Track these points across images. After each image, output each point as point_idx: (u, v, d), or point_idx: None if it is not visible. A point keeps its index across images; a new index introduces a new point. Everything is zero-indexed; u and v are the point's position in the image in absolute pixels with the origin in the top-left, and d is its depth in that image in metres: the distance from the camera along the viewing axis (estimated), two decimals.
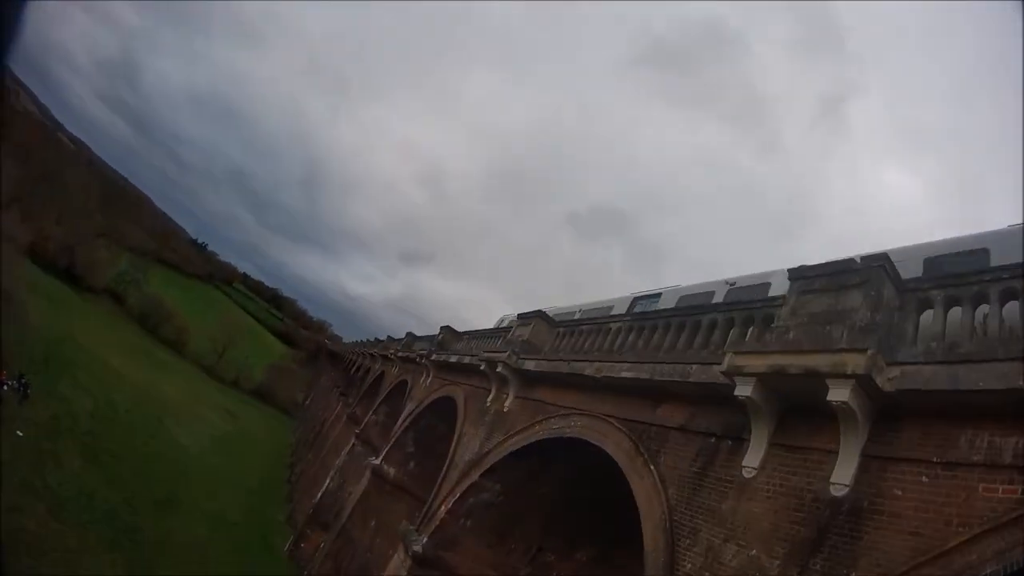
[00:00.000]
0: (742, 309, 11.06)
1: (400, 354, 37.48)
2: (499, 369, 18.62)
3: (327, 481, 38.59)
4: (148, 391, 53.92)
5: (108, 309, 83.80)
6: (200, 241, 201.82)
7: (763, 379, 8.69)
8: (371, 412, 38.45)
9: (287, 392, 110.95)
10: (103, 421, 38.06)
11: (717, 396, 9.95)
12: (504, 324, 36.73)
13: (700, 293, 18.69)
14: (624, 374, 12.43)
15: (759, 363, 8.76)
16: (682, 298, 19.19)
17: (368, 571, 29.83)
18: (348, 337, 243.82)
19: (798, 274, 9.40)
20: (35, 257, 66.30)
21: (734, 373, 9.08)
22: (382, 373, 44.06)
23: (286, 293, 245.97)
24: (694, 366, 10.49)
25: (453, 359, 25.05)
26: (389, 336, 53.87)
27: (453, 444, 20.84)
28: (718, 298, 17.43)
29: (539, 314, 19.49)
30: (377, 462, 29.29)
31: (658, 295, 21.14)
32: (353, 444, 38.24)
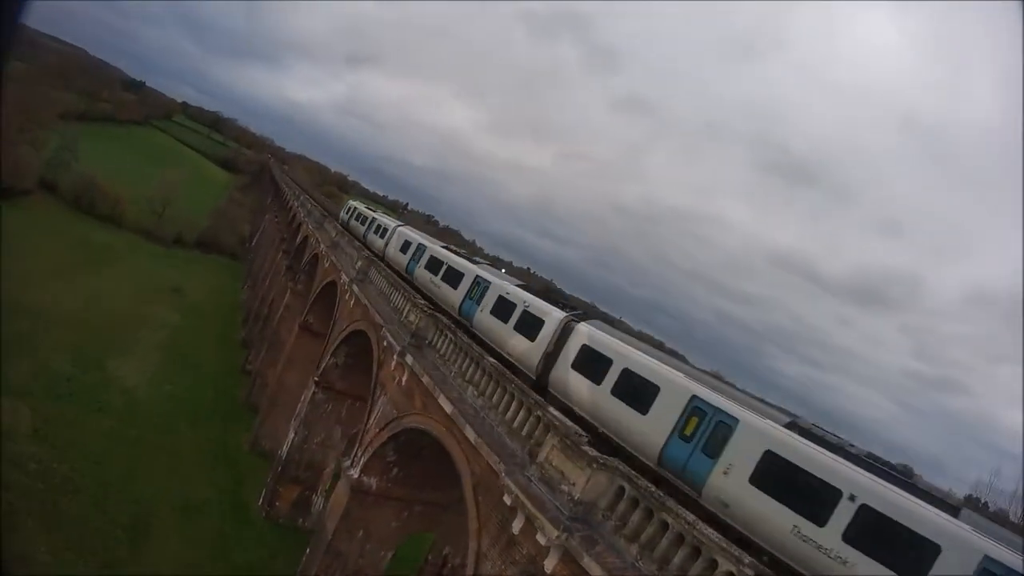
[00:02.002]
0: None
1: (354, 286, 30.93)
2: (540, 541, 12.75)
3: (291, 434, 34.12)
4: (87, 321, 49.11)
5: (42, 203, 78.39)
6: (137, 80, 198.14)
7: None
8: (329, 355, 32.46)
9: (233, 228, 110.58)
10: (48, 429, 33.63)
11: None
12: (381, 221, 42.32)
13: None
14: None
15: None
16: None
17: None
18: (291, 148, 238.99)
19: None
20: None
21: None
22: (332, 283, 37.62)
23: (227, 114, 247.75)
24: None
25: (447, 407, 18.68)
26: (328, 220, 45.83)
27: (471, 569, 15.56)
28: None
29: (602, 463, 12.90)
30: (355, 476, 24.01)
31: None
32: (314, 392, 33.02)
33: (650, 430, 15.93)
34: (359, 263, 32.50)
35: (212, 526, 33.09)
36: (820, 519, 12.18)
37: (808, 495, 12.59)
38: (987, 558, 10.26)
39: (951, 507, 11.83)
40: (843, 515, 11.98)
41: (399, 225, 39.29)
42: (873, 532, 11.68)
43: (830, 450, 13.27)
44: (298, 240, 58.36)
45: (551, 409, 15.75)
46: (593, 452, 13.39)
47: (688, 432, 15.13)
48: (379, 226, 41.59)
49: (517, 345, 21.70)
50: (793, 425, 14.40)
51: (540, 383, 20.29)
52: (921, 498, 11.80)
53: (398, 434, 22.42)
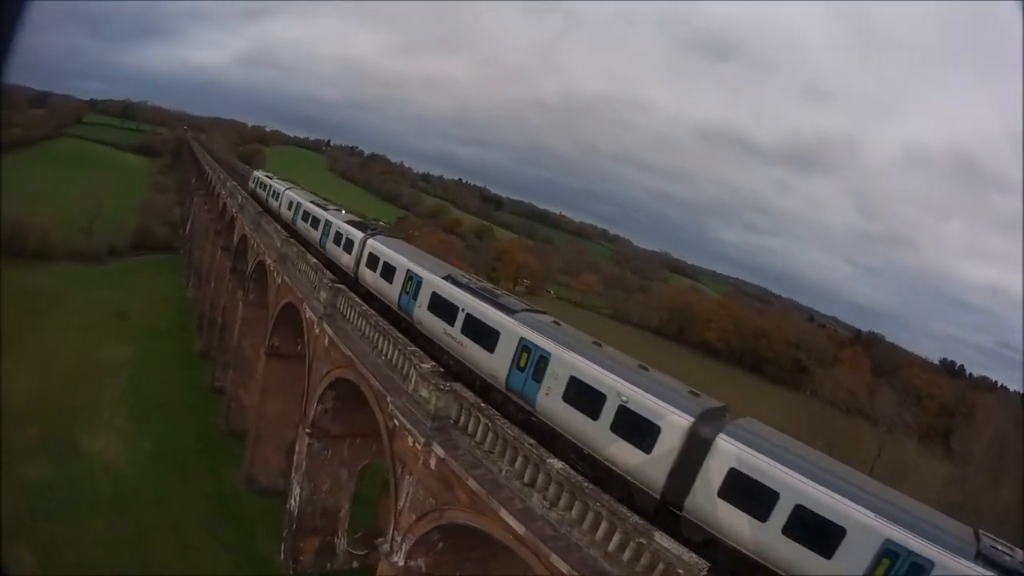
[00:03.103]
0: None
1: (326, 325, 25.84)
2: None
3: (296, 489, 29.37)
4: (45, 398, 41.96)
5: None
6: (43, 92, 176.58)
7: None
8: (315, 401, 27.40)
9: (163, 217, 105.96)
10: (52, 562, 28.41)
11: None
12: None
13: None
14: None
15: None
16: None
17: None
18: (207, 112, 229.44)
19: None
20: None
21: None
22: (292, 305, 32.15)
23: (136, 98, 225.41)
24: None
25: (515, 525, 14.27)
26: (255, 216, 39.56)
27: None
28: None
29: None
30: (401, 563, 19.78)
31: None
32: (309, 443, 28.18)
33: (394, 292, 25.58)
34: (323, 294, 27.01)
35: None
36: (452, 323, 21.37)
37: (448, 311, 21.78)
38: (523, 339, 18.35)
39: (512, 311, 19.70)
40: (460, 319, 21.04)
41: (287, 188, 46.52)
42: (473, 327, 20.44)
43: (461, 288, 21.85)
44: (236, 239, 51.30)
45: (658, 536, 12.11)
46: None
47: (408, 290, 24.54)
48: (275, 191, 48.38)
49: (344, 259, 31.25)
50: (448, 277, 23.05)
51: (356, 281, 29.72)
52: (499, 309, 19.93)
53: (444, 525, 18.12)
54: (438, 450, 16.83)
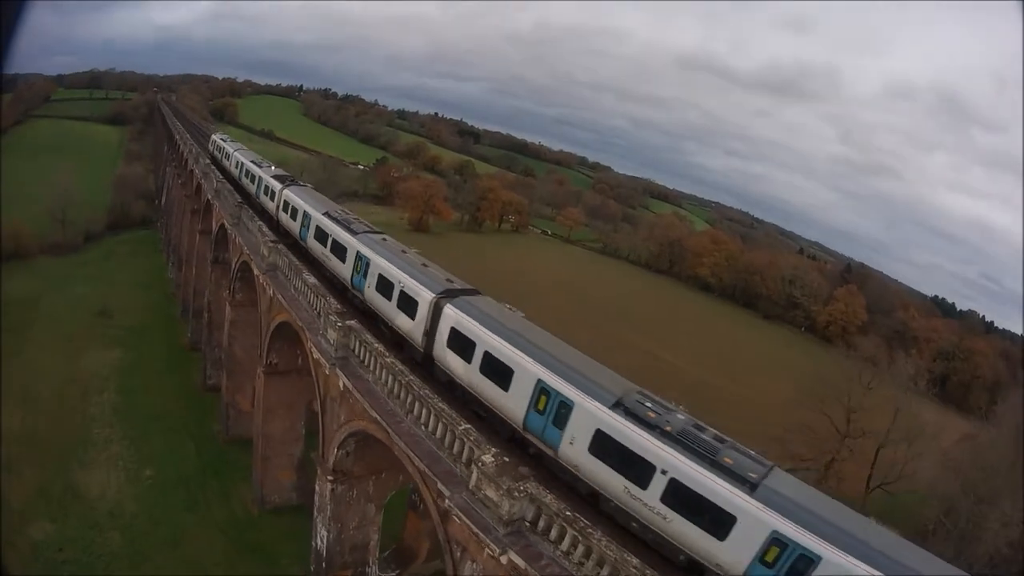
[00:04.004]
0: None
1: (339, 372, 22.75)
2: None
3: (323, 532, 26.59)
4: (36, 435, 38.84)
5: None
6: (9, 76, 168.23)
7: None
8: (335, 447, 24.42)
9: (138, 189, 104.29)
10: None
11: None
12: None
13: None
14: None
15: None
16: None
17: None
18: (175, 71, 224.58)
19: None
20: None
21: None
22: (287, 323, 28.88)
23: (104, 67, 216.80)
24: None
25: None
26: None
27: None
28: None
29: None
30: None
31: None
32: (332, 488, 25.36)
33: (296, 228, 32.54)
34: (332, 333, 23.45)
35: None
36: (325, 245, 28.76)
37: (323, 237, 29.01)
38: (358, 251, 25.80)
39: (355, 233, 26.89)
40: (329, 242, 28.52)
41: (236, 150, 50.24)
42: (335, 247, 27.83)
43: (331, 220, 28.87)
44: (215, 226, 46.98)
45: None
46: None
47: (304, 224, 31.53)
48: (227, 154, 51.99)
49: (270, 206, 37.25)
50: (326, 213, 29.83)
51: (278, 223, 35.75)
52: (349, 232, 27.20)
53: None
54: (516, 559, 14.15)
